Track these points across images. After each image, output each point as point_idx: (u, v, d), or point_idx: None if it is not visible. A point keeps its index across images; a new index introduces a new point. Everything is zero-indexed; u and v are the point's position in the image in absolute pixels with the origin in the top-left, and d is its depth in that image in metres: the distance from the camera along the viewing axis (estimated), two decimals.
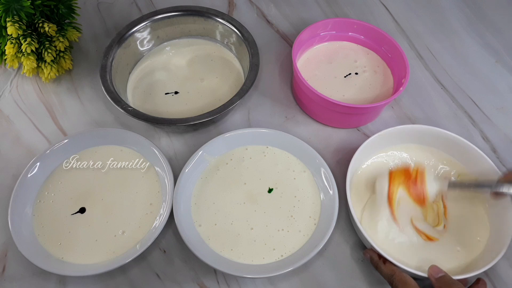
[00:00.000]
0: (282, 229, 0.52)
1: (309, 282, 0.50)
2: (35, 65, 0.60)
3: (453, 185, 0.51)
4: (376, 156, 0.56)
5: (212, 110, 0.56)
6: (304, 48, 0.65)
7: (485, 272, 0.51)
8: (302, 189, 0.55)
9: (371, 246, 0.47)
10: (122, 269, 0.51)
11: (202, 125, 0.60)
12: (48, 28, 0.58)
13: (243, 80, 0.61)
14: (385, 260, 0.46)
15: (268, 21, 0.74)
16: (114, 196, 0.54)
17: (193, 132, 0.61)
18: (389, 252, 0.48)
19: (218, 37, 0.68)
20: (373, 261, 0.48)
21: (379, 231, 0.50)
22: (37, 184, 0.55)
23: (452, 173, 0.55)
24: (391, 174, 0.52)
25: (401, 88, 0.57)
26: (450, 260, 0.49)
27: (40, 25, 0.59)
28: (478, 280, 0.47)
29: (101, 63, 0.60)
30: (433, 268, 0.45)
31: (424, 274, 0.45)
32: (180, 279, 0.51)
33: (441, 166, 0.56)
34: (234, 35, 0.65)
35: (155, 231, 0.50)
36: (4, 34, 0.58)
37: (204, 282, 0.50)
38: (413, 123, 0.62)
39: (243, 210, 0.53)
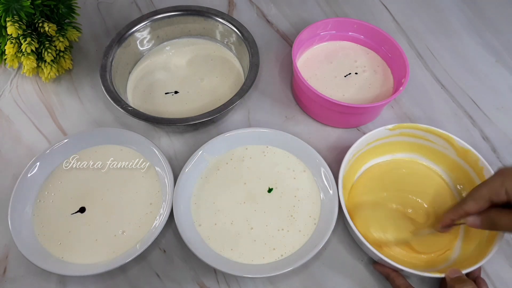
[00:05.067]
0: (282, 229, 0.52)
1: (309, 282, 0.50)
2: (35, 65, 0.60)
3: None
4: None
5: (212, 110, 0.56)
6: (304, 48, 0.65)
7: (485, 272, 0.51)
8: (302, 188, 0.55)
9: (368, 248, 0.47)
10: (122, 269, 0.51)
11: (202, 125, 0.60)
12: (48, 28, 0.58)
13: (243, 80, 0.61)
14: (396, 274, 0.47)
15: (268, 21, 0.74)
16: (114, 196, 0.54)
17: (193, 132, 0.61)
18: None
19: (218, 36, 0.68)
20: (384, 273, 0.49)
21: None
22: (37, 184, 0.55)
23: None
24: None
25: (401, 88, 0.57)
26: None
27: (40, 25, 0.59)
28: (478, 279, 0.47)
29: (101, 62, 0.60)
30: (452, 269, 0.45)
31: (430, 275, 0.45)
32: (180, 279, 0.51)
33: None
34: (234, 35, 0.65)
35: (155, 230, 0.50)
36: (4, 34, 0.58)
37: (204, 282, 0.50)
38: (414, 123, 0.62)
39: (243, 210, 0.53)
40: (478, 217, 0.43)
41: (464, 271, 0.45)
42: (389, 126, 0.54)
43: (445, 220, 0.46)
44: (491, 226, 0.43)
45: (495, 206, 0.43)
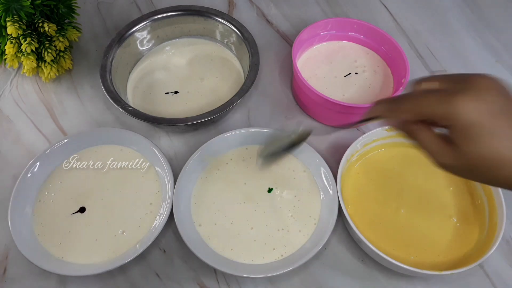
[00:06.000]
0: (282, 229, 0.52)
1: (309, 281, 0.50)
2: (35, 65, 0.60)
3: None
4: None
5: (212, 110, 0.56)
6: (304, 48, 0.65)
7: (485, 271, 0.51)
8: (302, 189, 0.55)
9: (365, 244, 0.47)
10: (122, 269, 0.51)
11: (202, 125, 0.60)
12: (48, 27, 0.58)
13: (243, 80, 0.61)
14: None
15: (268, 21, 0.74)
16: (114, 196, 0.54)
17: (193, 132, 0.61)
18: None
19: (218, 36, 0.68)
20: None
21: None
22: (37, 184, 0.55)
23: None
24: None
25: (401, 88, 0.57)
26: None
27: (40, 24, 0.59)
28: None
29: (101, 62, 0.60)
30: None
31: (430, 272, 0.45)
32: (180, 279, 0.51)
33: None
34: (234, 35, 0.65)
35: (155, 230, 0.50)
36: (4, 33, 0.58)
37: (204, 282, 0.50)
38: None
39: (243, 210, 0.53)
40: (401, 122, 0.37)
41: (465, 269, 0.45)
42: (386, 127, 0.55)
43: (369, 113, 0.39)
44: (409, 135, 0.37)
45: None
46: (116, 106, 0.56)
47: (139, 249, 0.48)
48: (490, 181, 0.35)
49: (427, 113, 0.34)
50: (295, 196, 0.54)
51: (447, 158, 0.34)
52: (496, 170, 0.33)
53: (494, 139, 0.32)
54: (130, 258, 0.48)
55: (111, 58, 0.61)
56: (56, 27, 0.60)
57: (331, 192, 0.53)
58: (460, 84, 0.33)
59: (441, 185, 0.55)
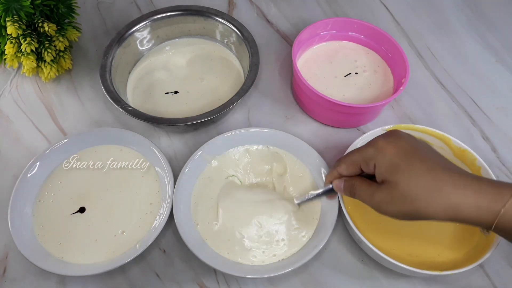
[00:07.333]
0: (283, 230, 0.52)
1: (309, 282, 0.50)
2: (35, 65, 0.60)
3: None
4: None
5: (212, 110, 0.56)
6: (304, 48, 0.65)
7: (485, 272, 0.51)
8: (302, 189, 0.55)
9: (366, 244, 0.47)
10: (122, 269, 0.51)
11: (202, 124, 0.60)
12: (48, 27, 0.58)
13: (243, 80, 0.61)
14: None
15: (268, 21, 0.74)
16: (114, 196, 0.54)
17: (193, 132, 0.61)
18: None
19: (218, 36, 0.68)
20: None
21: None
22: (37, 184, 0.55)
23: None
24: None
25: (401, 88, 0.57)
26: None
27: (40, 24, 0.59)
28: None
29: (101, 62, 0.60)
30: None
31: (412, 268, 0.45)
32: (180, 279, 0.51)
33: None
34: (234, 35, 0.65)
35: (155, 231, 0.50)
36: (3, 33, 0.58)
37: (204, 282, 0.50)
38: (414, 123, 0.62)
39: (243, 211, 0.53)
40: (342, 181, 0.46)
41: (465, 269, 0.45)
42: (386, 127, 0.55)
43: (325, 181, 0.48)
44: (350, 193, 0.45)
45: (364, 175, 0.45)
46: (116, 106, 0.56)
47: (139, 249, 0.48)
48: (425, 214, 0.39)
49: (358, 159, 0.43)
50: (296, 197, 0.54)
51: (380, 195, 0.41)
52: (428, 199, 0.38)
53: (410, 171, 0.39)
54: (130, 258, 0.48)
55: (111, 58, 0.61)
56: (56, 27, 0.60)
57: None
58: (377, 137, 0.43)
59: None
